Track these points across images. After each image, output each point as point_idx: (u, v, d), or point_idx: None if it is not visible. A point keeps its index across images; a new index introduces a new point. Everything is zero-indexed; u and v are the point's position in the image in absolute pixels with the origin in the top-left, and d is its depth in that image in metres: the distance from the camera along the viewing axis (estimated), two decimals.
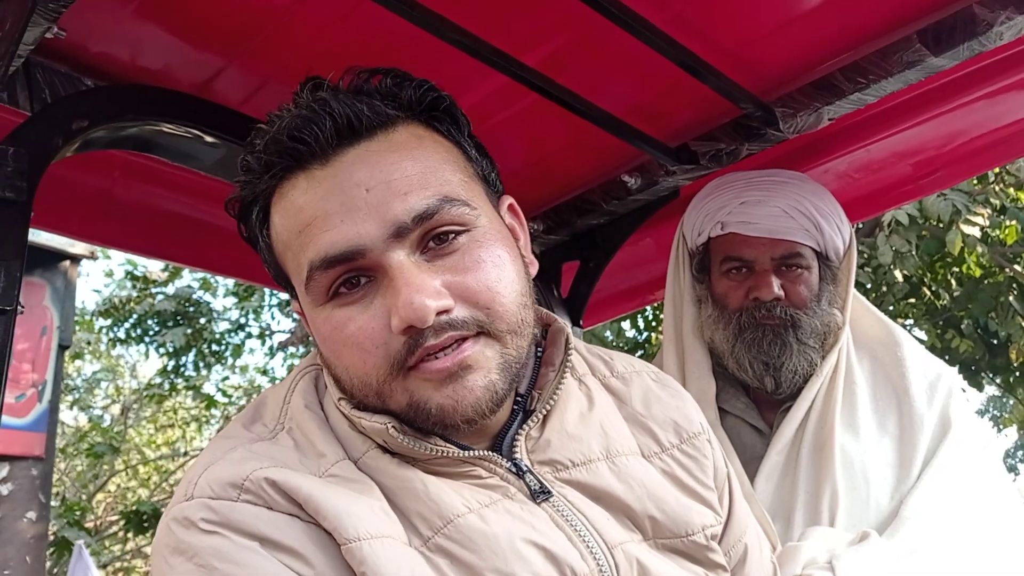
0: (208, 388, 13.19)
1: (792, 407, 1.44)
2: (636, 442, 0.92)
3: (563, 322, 0.94)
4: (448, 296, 0.76)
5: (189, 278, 10.94)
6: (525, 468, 0.83)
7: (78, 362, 15.49)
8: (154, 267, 11.05)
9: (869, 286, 6.76)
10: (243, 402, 12.85)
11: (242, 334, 11.05)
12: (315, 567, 0.72)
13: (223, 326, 10.97)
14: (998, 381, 7.84)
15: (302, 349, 10.26)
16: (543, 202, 1.93)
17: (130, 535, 11.49)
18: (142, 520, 9.80)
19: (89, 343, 14.99)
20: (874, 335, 1.54)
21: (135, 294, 10.71)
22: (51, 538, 9.29)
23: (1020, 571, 1.26)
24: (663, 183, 1.72)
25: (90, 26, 1.28)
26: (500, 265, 0.79)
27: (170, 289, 10.62)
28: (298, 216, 0.78)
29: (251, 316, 11.08)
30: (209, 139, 1.43)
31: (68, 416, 15.23)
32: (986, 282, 6.64)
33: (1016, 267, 6.44)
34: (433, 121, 0.84)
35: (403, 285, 0.74)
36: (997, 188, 6.09)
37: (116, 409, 15.45)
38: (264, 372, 12.93)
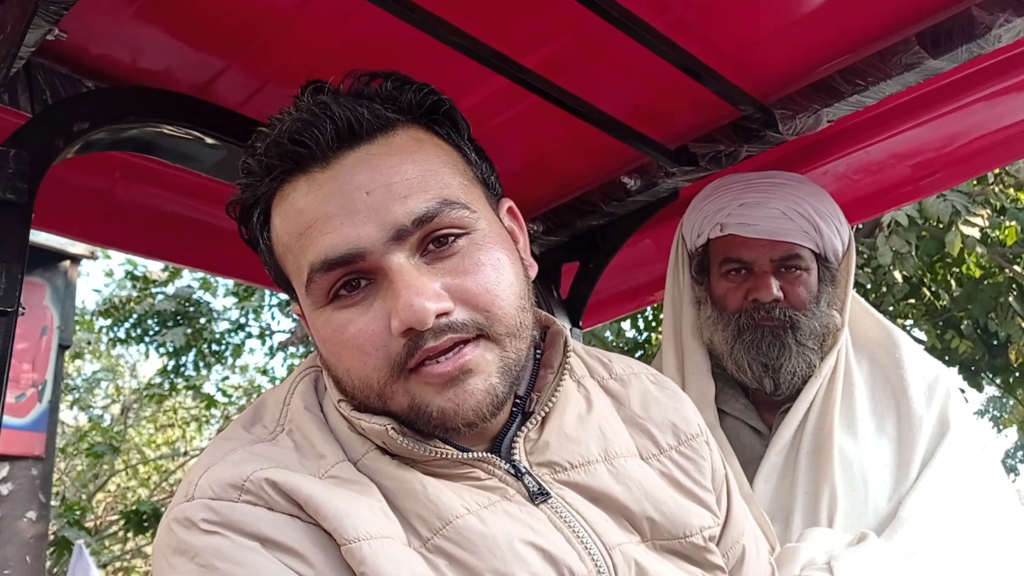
0: (208, 388, 13.21)
1: (791, 408, 1.45)
2: (634, 444, 0.92)
3: (562, 324, 0.94)
4: (448, 299, 0.76)
5: (189, 278, 10.94)
6: (524, 470, 0.83)
7: (78, 362, 15.50)
8: (154, 267, 11.07)
9: (869, 287, 6.76)
10: (243, 402, 12.86)
11: (242, 334, 11.06)
12: (315, 567, 0.72)
13: (223, 326, 10.98)
14: (998, 382, 7.85)
15: (302, 349, 10.26)
16: (543, 203, 1.93)
17: (130, 535, 11.50)
18: (142, 520, 9.80)
19: (89, 343, 14.99)
20: (873, 337, 1.54)
21: (135, 294, 10.71)
22: (51, 538, 9.30)
23: (1018, 572, 1.27)
24: (663, 184, 1.73)
25: (91, 28, 1.29)
26: (499, 268, 0.79)
27: (170, 289, 10.63)
28: (298, 219, 0.79)
29: (251, 316, 11.08)
30: (209, 140, 1.44)
31: (68, 416, 15.25)
32: (986, 283, 6.65)
33: (1016, 268, 6.44)
34: (433, 125, 0.84)
35: (403, 288, 0.74)
36: (996, 189, 6.10)
37: (116, 409, 15.46)
38: (264, 372, 12.94)
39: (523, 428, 0.85)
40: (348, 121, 0.78)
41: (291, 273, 0.83)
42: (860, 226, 5.95)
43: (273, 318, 14.68)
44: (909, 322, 7.43)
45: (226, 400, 12.89)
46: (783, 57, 1.44)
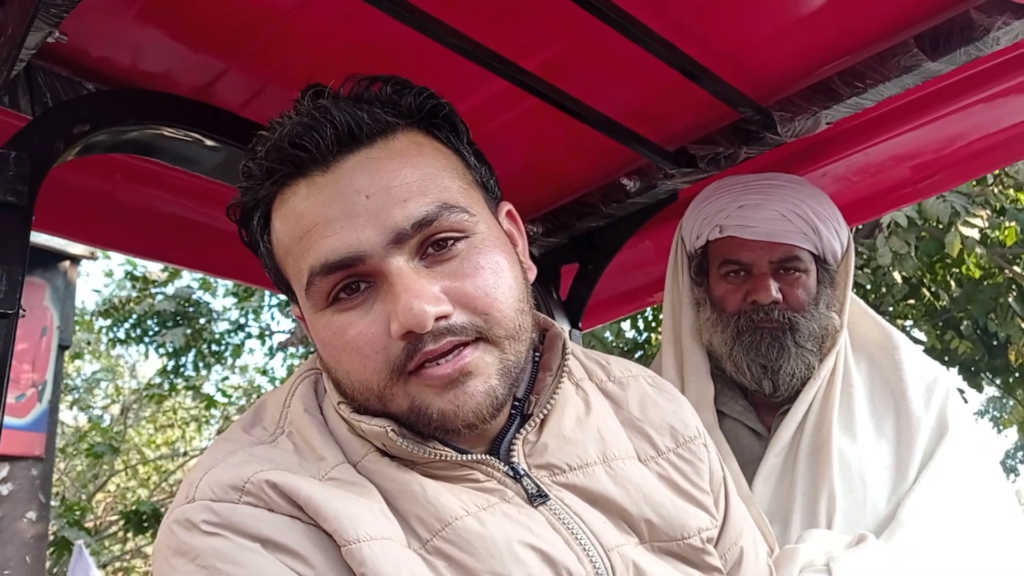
0: (208, 388, 13.21)
1: (790, 410, 1.45)
2: (632, 446, 0.92)
3: (560, 327, 0.95)
4: (447, 302, 0.76)
5: (189, 278, 10.94)
6: (522, 472, 0.84)
7: (78, 362, 15.50)
8: (154, 267, 11.07)
9: (868, 287, 6.77)
10: (243, 402, 12.86)
11: (242, 334, 11.06)
12: (316, 568, 0.73)
13: (223, 326, 10.97)
14: (997, 382, 7.85)
15: (302, 349, 10.27)
16: (542, 205, 1.94)
17: (130, 535, 11.50)
18: (142, 520, 9.81)
19: (89, 343, 14.99)
20: (871, 338, 1.54)
21: (135, 294, 10.71)
22: (51, 538, 9.30)
23: (1016, 573, 1.27)
24: (662, 186, 1.73)
25: (91, 31, 1.29)
26: (498, 271, 0.80)
27: (170, 289, 10.62)
28: (299, 222, 0.79)
29: (251, 316, 11.08)
30: (209, 143, 1.44)
31: (68, 416, 15.25)
32: (985, 283, 6.65)
33: (1015, 268, 6.44)
34: (432, 128, 0.84)
35: (402, 291, 0.75)
36: (996, 190, 6.11)
37: (116, 409, 15.45)
38: (264, 372, 12.94)
39: (522, 430, 0.86)
40: (348, 125, 0.78)
41: (291, 276, 0.84)
42: (860, 227, 5.96)
43: (273, 318, 14.71)
44: (909, 323, 7.43)
45: (226, 400, 12.90)
46: (782, 59, 1.44)
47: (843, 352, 1.49)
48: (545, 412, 0.87)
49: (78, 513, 11.21)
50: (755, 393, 1.51)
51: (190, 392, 12.73)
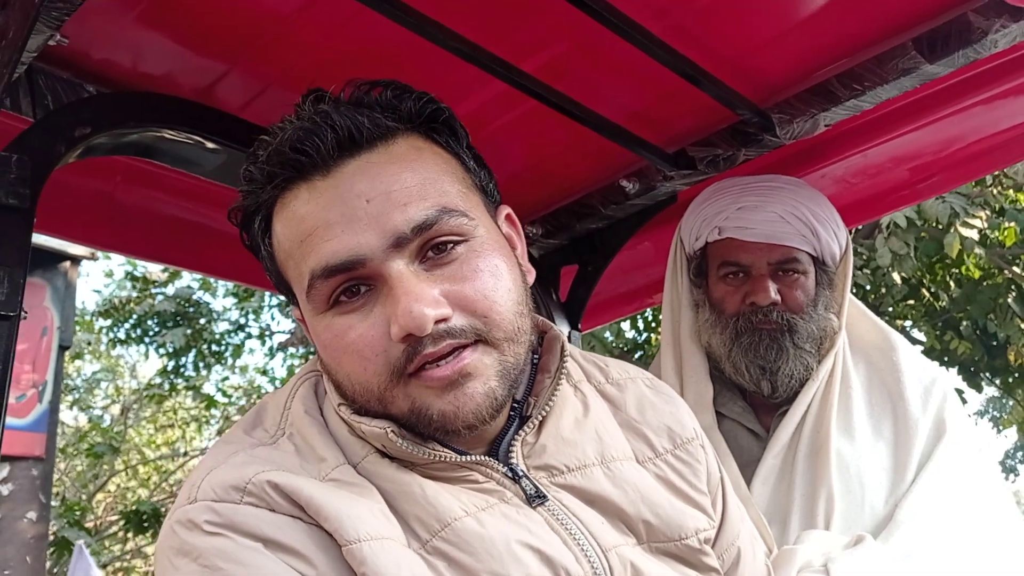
0: (208, 388, 13.19)
1: (788, 411, 1.45)
2: (631, 447, 0.93)
3: (559, 329, 0.95)
4: (446, 305, 0.77)
5: (189, 278, 10.94)
6: (521, 473, 0.84)
7: (78, 362, 15.49)
8: (154, 268, 11.07)
9: (868, 288, 6.77)
10: (243, 403, 12.86)
11: (242, 334, 11.05)
12: (317, 568, 0.73)
13: (223, 326, 10.97)
14: (997, 382, 7.85)
15: (302, 350, 10.26)
16: (542, 206, 1.94)
17: (130, 535, 11.50)
18: (142, 520, 9.81)
19: (89, 343, 14.98)
20: (870, 340, 1.55)
21: (135, 294, 10.71)
22: (51, 538, 9.30)
23: (1014, 574, 1.27)
24: (661, 188, 1.74)
25: (92, 33, 1.29)
26: (497, 274, 0.80)
27: (170, 290, 10.62)
28: (300, 226, 0.80)
29: (251, 317, 11.08)
30: (210, 145, 1.44)
31: (68, 416, 15.24)
32: (985, 284, 6.66)
33: (1015, 269, 6.44)
34: (432, 133, 0.85)
35: (402, 294, 0.75)
36: (995, 191, 6.11)
37: (116, 409, 15.45)
38: (264, 372, 12.93)
39: (520, 432, 0.86)
40: (349, 130, 0.79)
41: (292, 279, 0.84)
42: (859, 227, 5.96)
43: (273, 319, 14.70)
44: (908, 323, 7.43)
45: (226, 400, 12.89)
46: (780, 62, 1.44)
47: (841, 353, 1.49)
48: (544, 414, 0.87)
49: (78, 513, 11.21)
50: (754, 394, 1.51)
51: (190, 392, 12.73)
